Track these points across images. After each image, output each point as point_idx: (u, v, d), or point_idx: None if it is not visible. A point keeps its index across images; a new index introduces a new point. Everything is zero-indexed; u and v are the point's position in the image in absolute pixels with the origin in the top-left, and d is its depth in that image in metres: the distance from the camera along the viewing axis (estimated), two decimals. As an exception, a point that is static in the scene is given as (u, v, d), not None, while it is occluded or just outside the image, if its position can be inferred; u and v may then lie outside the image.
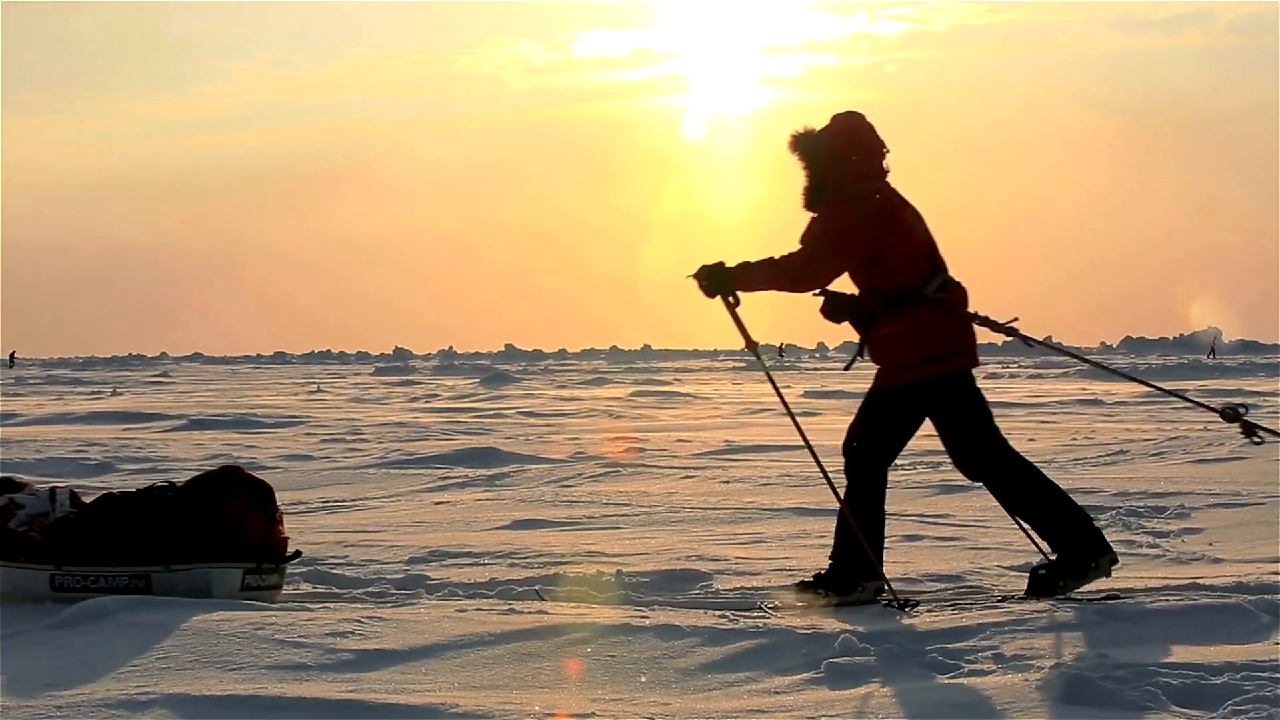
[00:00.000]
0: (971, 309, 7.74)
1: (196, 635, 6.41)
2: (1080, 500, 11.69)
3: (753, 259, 7.66)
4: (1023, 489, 7.67)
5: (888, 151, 7.71)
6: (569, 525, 11.03)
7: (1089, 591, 7.57)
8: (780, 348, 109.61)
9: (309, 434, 22.30)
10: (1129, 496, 12.00)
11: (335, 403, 35.41)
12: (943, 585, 8.08)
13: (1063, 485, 13.15)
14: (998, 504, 7.82)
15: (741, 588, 8.17)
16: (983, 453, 7.67)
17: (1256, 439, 7.70)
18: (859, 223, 7.52)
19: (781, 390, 8.42)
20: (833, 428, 22.72)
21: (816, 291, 7.71)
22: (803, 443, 8.21)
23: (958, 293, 7.71)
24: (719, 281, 7.73)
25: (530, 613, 7.06)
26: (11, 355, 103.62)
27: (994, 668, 5.94)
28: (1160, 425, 21.30)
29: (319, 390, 45.09)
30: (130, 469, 16.14)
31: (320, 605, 7.40)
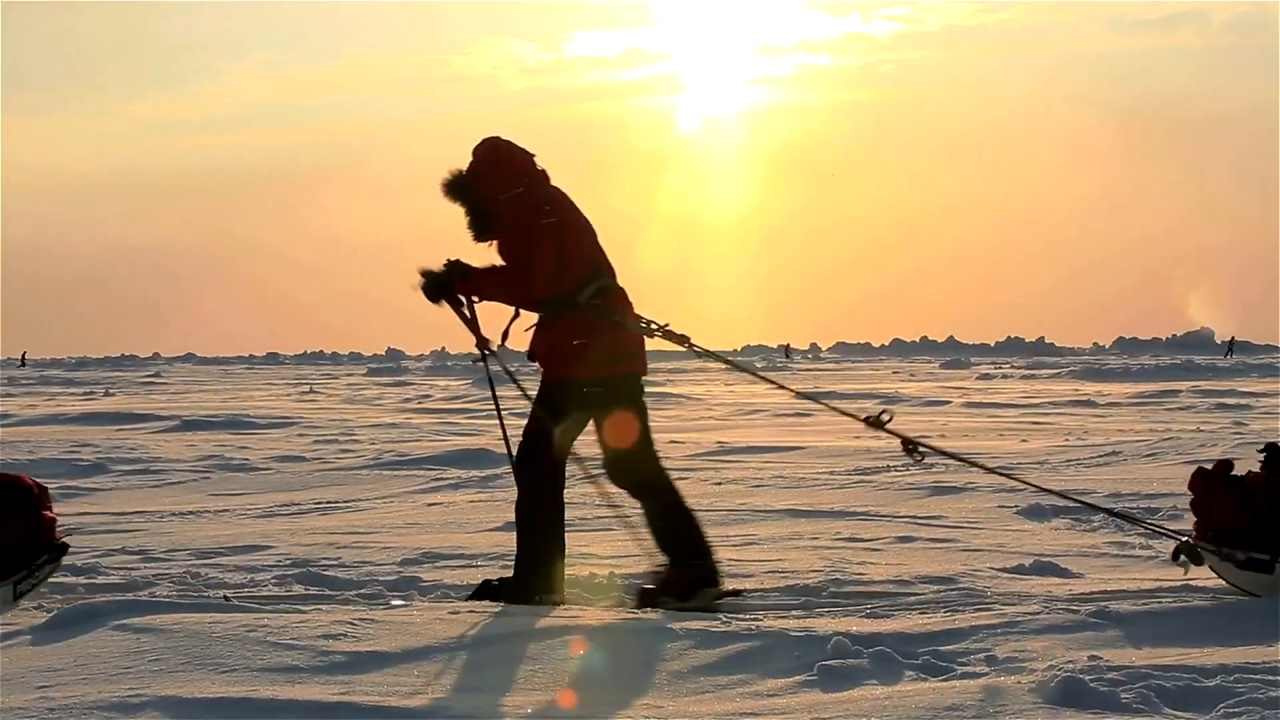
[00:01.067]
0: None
1: (188, 637, 6.40)
2: (1073, 501, 11.71)
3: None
4: (662, 506, 7.92)
5: (534, 155, 7.97)
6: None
7: (1082, 594, 7.58)
8: (786, 349, 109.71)
9: (301, 435, 22.28)
10: (1121, 497, 12.01)
11: (328, 403, 35.38)
12: (935, 587, 8.08)
13: (1055, 486, 13.18)
14: (984, 507, 7.86)
15: (734, 590, 8.17)
16: (633, 461, 7.99)
17: (917, 456, 7.94)
18: (546, 233, 7.75)
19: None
20: (827, 429, 22.72)
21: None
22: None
23: (616, 299, 7.91)
24: (437, 286, 7.94)
25: (523, 615, 7.06)
26: (23, 356, 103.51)
27: (986, 670, 5.94)
28: (1153, 426, 21.30)
29: (311, 391, 45.07)
30: (122, 469, 16.12)
31: (313, 607, 7.39)
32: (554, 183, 8.00)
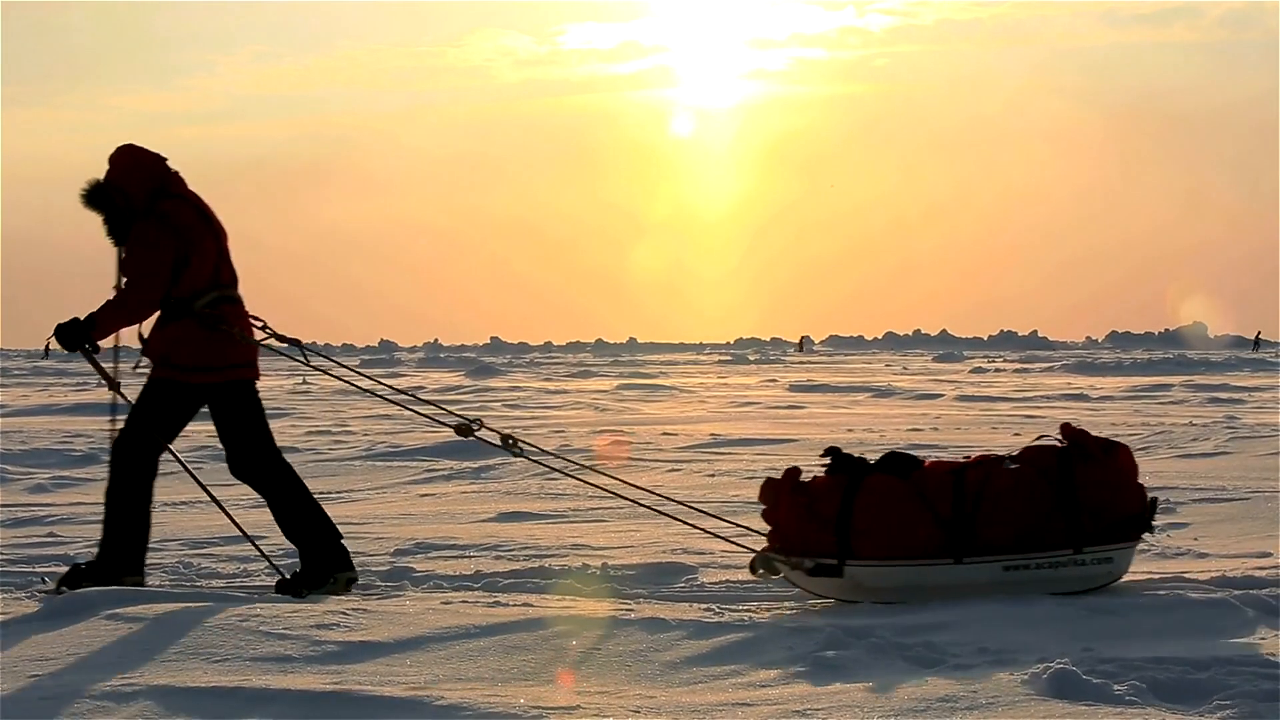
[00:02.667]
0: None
1: (181, 627, 6.40)
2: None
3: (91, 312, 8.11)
4: (284, 498, 8.18)
5: (166, 159, 8.19)
6: (554, 518, 11.03)
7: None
8: (800, 342, 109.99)
9: (294, 425, 22.27)
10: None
11: (321, 394, 35.37)
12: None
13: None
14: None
15: (727, 581, 8.17)
16: (251, 459, 8.31)
17: (515, 451, 8.52)
18: (163, 239, 7.94)
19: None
20: (817, 421, 22.70)
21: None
22: None
23: (232, 309, 8.14)
24: (72, 337, 8.17)
25: (516, 605, 7.07)
26: (47, 346, 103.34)
27: (979, 662, 5.94)
28: (1146, 420, 21.31)
29: (304, 382, 45.04)
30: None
31: (305, 597, 7.39)
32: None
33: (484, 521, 10.88)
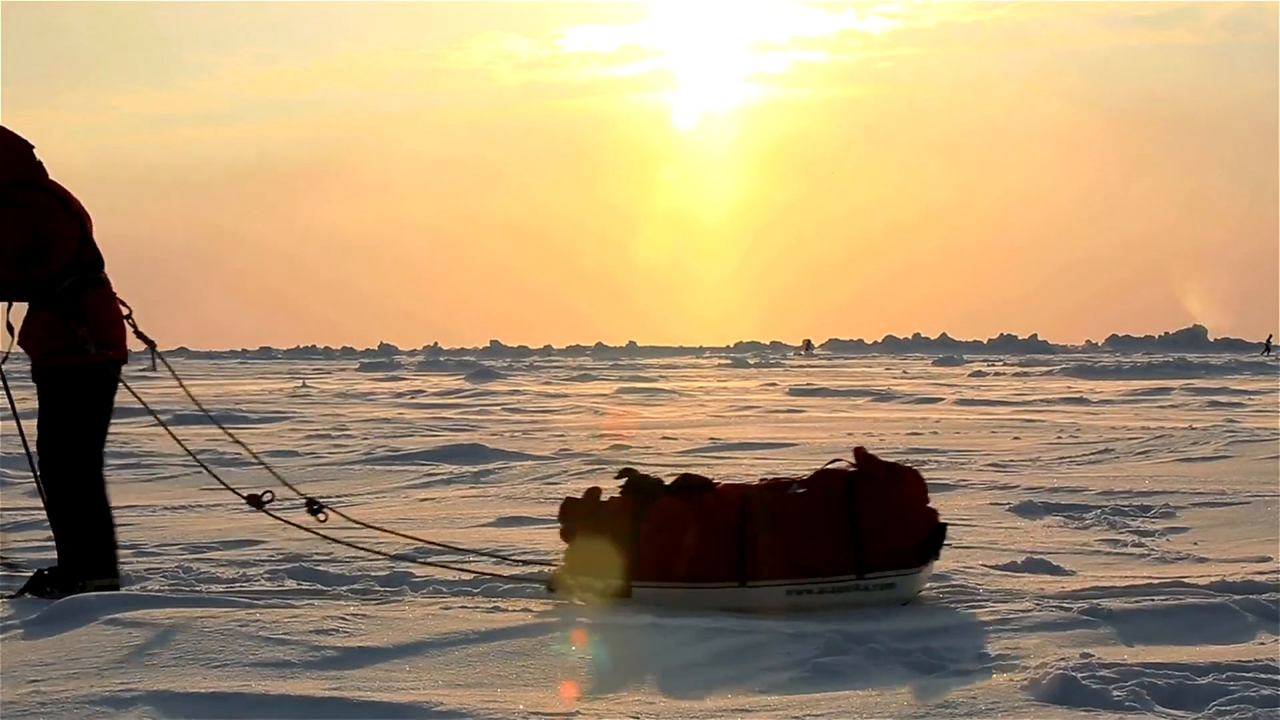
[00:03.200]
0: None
1: (180, 632, 6.39)
2: (1065, 499, 11.76)
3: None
4: (65, 498, 8.17)
5: (33, 146, 8.14)
6: (554, 522, 10.97)
7: (1074, 591, 7.58)
8: (806, 343, 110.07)
9: (294, 429, 22.27)
10: (1114, 495, 12.01)
11: (320, 398, 35.36)
12: (928, 584, 8.07)
13: (1047, 484, 13.18)
14: (976, 504, 7.89)
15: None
16: (55, 451, 8.38)
17: (321, 517, 8.39)
18: (14, 223, 7.95)
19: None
20: (816, 424, 22.69)
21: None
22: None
23: (96, 293, 8.15)
24: None
25: (515, 610, 7.06)
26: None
27: (978, 667, 5.94)
28: (1146, 424, 21.32)
29: (304, 385, 45.04)
30: (114, 464, 16.06)
31: (305, 602, 7.39)
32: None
33: (483, 526, 10.87)
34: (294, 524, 8.39)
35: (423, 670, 5.95)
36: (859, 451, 7.43)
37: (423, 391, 39.49)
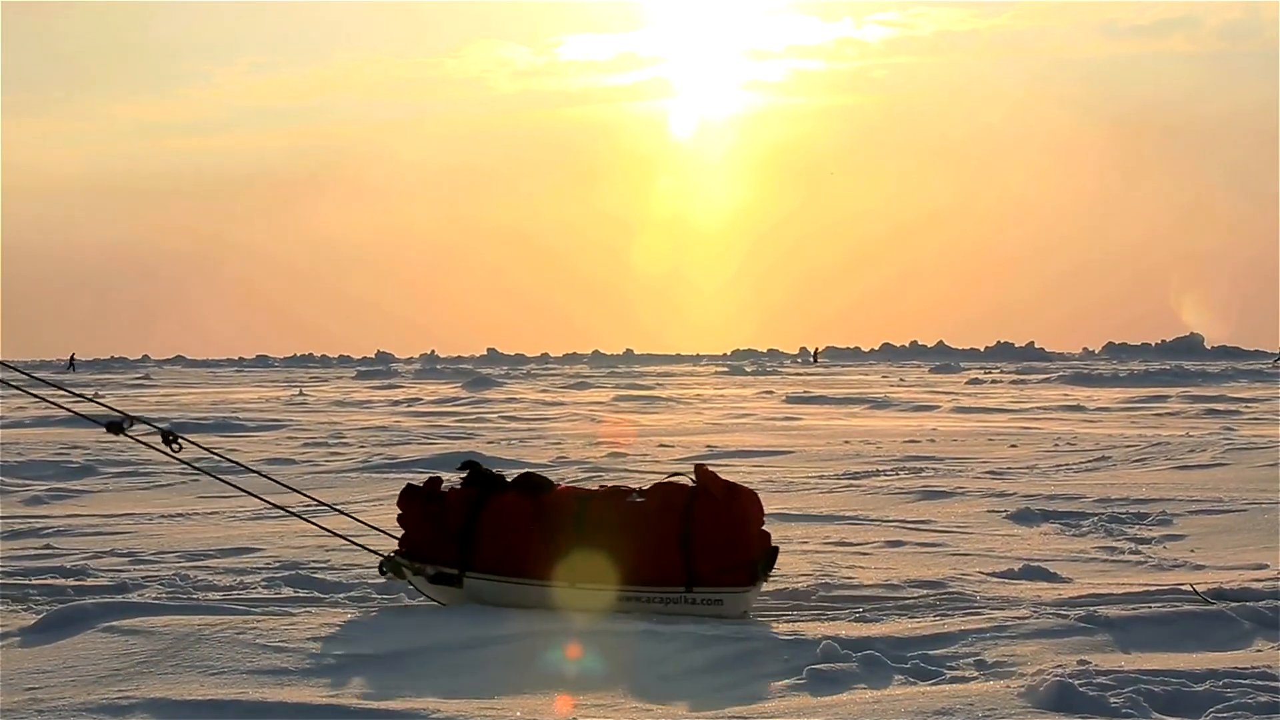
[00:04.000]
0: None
1: (178, 639, 6.40)
2: (1062, 506, 11.76)
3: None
4: None
5: None
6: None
7: (1071, 598, 7.58)
8: (815, 352, 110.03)
9: (291, 437, 22.25)
10: (1111, 503, 12.01)
11: (317, 406, 35.35)
12: (925, 592, 8.07)
13: (1045, 491, 13.18)
14: (973, 512, 7.88)
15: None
16: None
17: (175, 447, 8.18)
18: None
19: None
20: (813, 432, 22.68)
21: None
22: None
23: None
24: None
25: (512, 618, 7.06)
26: (71, 358, 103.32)
27: (976, 675, 5.94)
28: (1142, 431, 21.32)
29: (301, 394, 45.03)
30: (111, 472, 16.10)
31: (302, 609, 7.39)
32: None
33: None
34: (154, 447, 8.27)
35: (420, 677, 5.95)
36: (699, 468, 7.47)
37: (420, 399, 39.47)
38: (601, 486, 7.63)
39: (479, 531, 7.33)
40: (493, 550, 7.30)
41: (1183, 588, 7.84)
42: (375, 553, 7.87)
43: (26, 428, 25.29)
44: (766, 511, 11.73)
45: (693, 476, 7.44)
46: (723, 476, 7.47)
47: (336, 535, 8.32)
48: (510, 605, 7.17)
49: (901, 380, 58.13)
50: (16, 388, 8.42)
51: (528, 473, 7.65)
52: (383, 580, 8.56)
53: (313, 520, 8.58)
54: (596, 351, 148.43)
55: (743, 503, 7.36)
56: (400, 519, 7.69)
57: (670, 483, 7.42)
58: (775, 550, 7.46)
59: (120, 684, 5.75)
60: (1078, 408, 31.15)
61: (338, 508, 8.94)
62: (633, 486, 7.56)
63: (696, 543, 7.18)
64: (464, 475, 7.61)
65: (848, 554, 9.57)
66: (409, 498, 7.65)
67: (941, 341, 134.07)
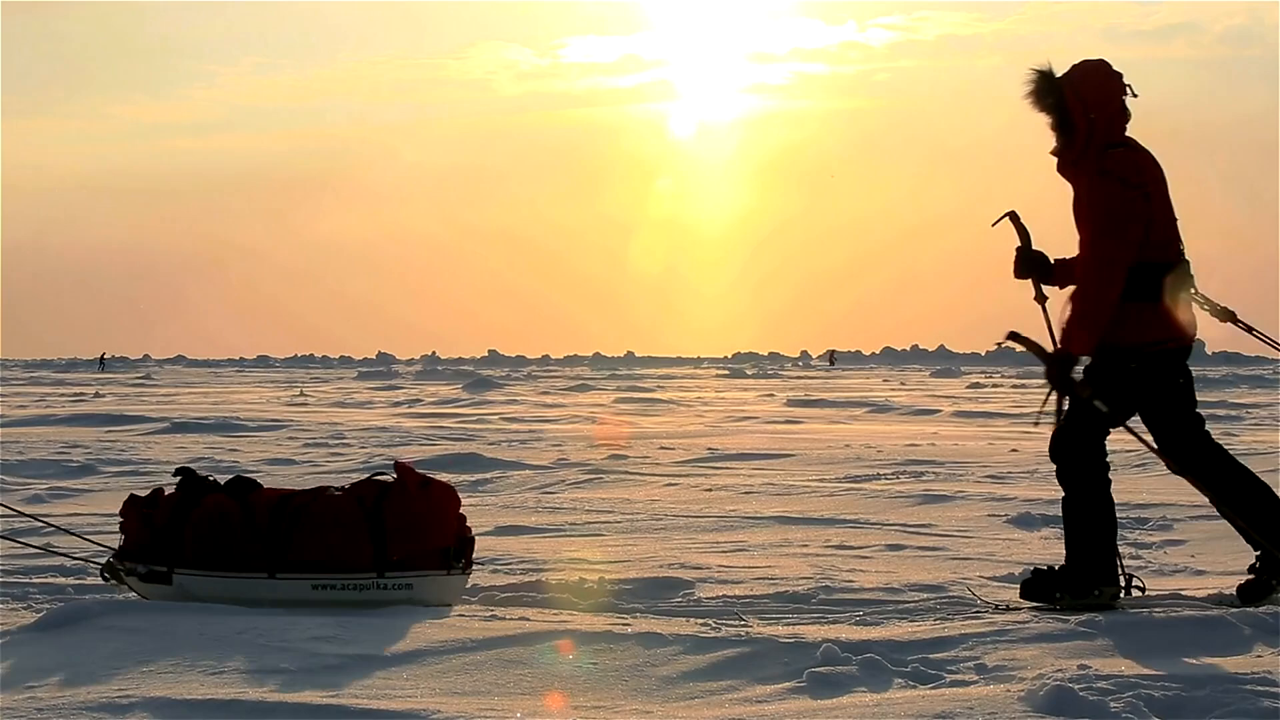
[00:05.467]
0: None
1: (178, 639, 6.40)
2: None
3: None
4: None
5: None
6: (551, 532, 11.02)
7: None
8: (832, 354, 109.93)
9: (291, 438, 22.26)
10: (1111, 508, 11.99)
11: (318, 406, 35.36)
12: (925, 595, 8.08)
13: (1045, 495, 13.17)
14: (973, 516, 7.90)
15: (724, 596, 8.17)
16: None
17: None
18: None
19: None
20: (813, 436, 22.67)
21: None
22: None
23: None
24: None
25: (513, 619, 7.07)
26: (102, 357, 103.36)
27: (976, 678, 5.94)
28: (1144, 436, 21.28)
29: (302, 394, 45.04)
30: (112, 471, 16.11)
31: (302, 610, 7.39)
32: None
33: (481, 535, 10.85)
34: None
35: (420, 678, 5.95)
36: (398, 464, 7.89)
37: (420, 400, 39.48)
38: (325, 489, 7.88)
39: (186, 531, 7.58)
40: (199, 548, 7.56)
41: (1182, 591, 7.83)
42: (95, 562, 8.18)
43: (27, 426, 25.30)
44: (767, 514, 11.76)
45: (393, 472, 7.82)
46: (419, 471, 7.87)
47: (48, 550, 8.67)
48: (216, 599, 7.41)
49: (902, 384, 58.15)
50: None
51: (237, 475, 7.96)
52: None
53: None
54: (597, 353, 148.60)
55: (435, 494, 7.74)
56: (121, 526, 7.89)
57: (369, 479, 7.79)
58: (470, 541, 7.83)
59: (120, 683, 5.76)
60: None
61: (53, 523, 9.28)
62: (338, 486, 7.86)
63: (389, 532, 7.54)
64: (178, 481, 7.86)
65: (848, 557, 9.57)
66: (129, 506, 7.86)
67: (943, 345, 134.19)
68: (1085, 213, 7.61)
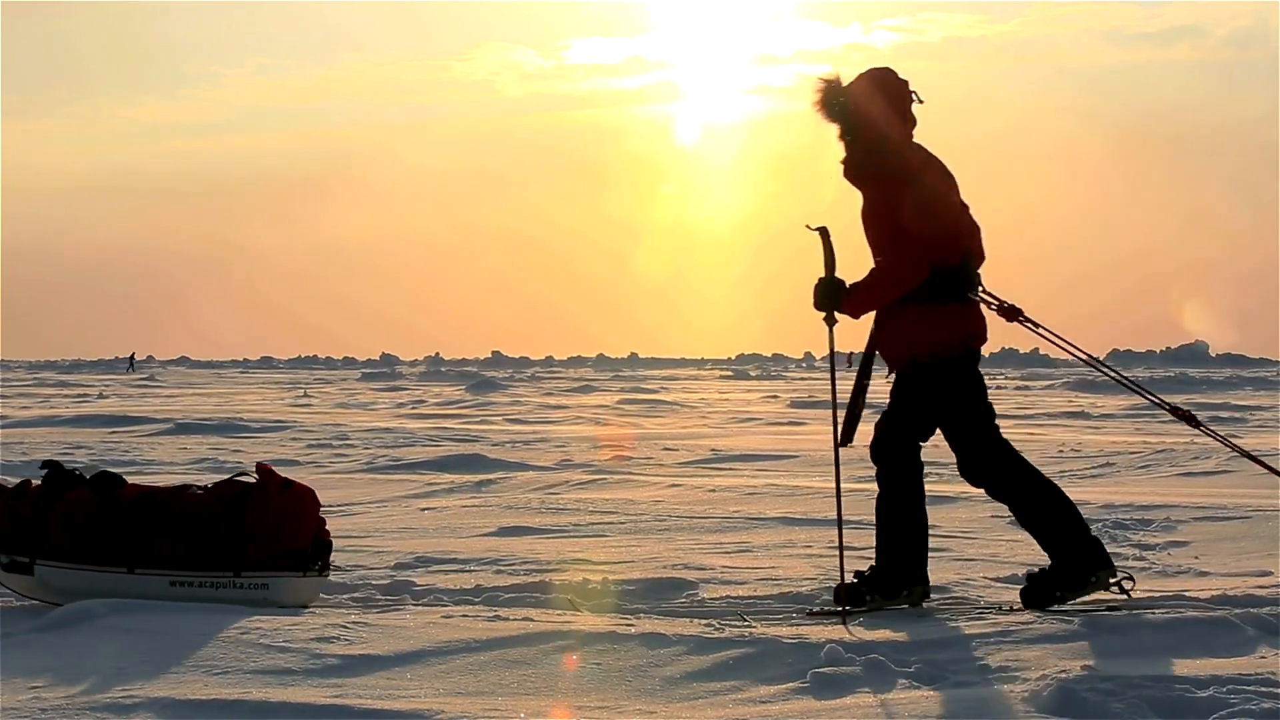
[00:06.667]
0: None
1: (181, 639, 6.40)
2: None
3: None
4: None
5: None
6: (555, 532, 11.03)
7: (1075, 603, 7.57)
8: (849, 356, 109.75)
9: (295, 439, 22.28)
10: (1115, 509, 12.01)
11: (322, 408, 35.37)
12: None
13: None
14: (977, 517, 7.91)
15: (728, 597, 8.17)
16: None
17: None
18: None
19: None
20: (817, 436, 22.69)
21: None
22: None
23: None
24: None
25: (516, 620, 7.06)
26: (131, 357, 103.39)
27: (979, 679, 5.94)
28: (1146, 438, 21.30)
29: (306, 395, 45.06)
30: (116, 472, 16.09)
31: (306, 610, 7.40)
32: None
33: (485, 535, 10.88)
34: None
35: (424, 678, 5.95)
36: (259, 466, 7.96)
37: (424, 401, 39.50)
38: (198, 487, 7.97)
39: (50, 524, 7.66)
40: (61, 540, 7.63)
41: (1185, 592, 7.83)
42: None
43: (30, 426, 25.31)
44: (770, 515, 11.75)
45: (255, 473, 7.89)
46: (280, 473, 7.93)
47: None
48: (77, 591, 7.45)
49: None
50: None
51: (102, 471, 8.03)
52: (385, 581, 8.58)
53: None
54: (601, 355, 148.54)
55: (295, 497, 7.82)
56: None
57: (231, 479, 7.87)
58: (328, 544, 7.91)
59: (123, 683, 5.76)
60: (1082, 414, 31.15)
61: None
62: (202, 486, 7.94)
63: (247, 532, 7.63)
64: (44, 473, 7.92)
65: (852, 558, 9.56)
66: None
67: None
68: (873, 221, 7.68)
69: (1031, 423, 27.96)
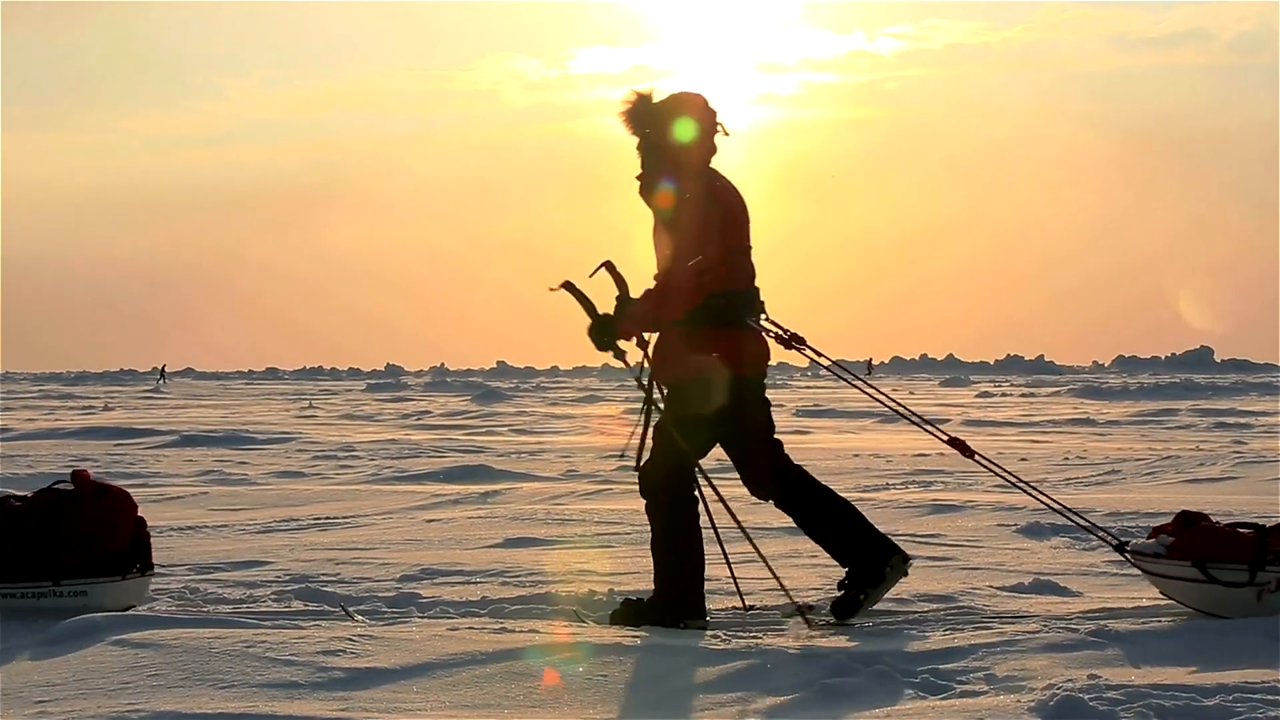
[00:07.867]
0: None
1: (187, 653, 6.40)
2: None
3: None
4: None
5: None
6: (561, 543, 11.02)
7: (1081, 613, 7.57)
8: (870, 362, 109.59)
9: (301, 450, 22.28)
10: (1121, 516, 12.00)
11: (327, 419, 35.37)
12: (934, 606, 8.07)
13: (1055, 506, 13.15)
14: (983, 526, 7.89)
15: (733, 607, 8.17)
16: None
17: None
18: None
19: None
20: (823, 446, 22.66)
21: None
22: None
23: None
24: None
25: (522, 631, 7.06)
26: (162, 369, 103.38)
27: (986, 689, 5.93)
28: (1152, 445, 21.29)
29: (311, 407, 45.07)
30: (121, 484, 16.08)
31: (312, 623, 7.39)
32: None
33: (490, 547, 10.87)
34: None
35: (430, 691, 5.95)
36: (75, 473, 8.04)
37: (429, 412, 39.51)
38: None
39: None
40: None
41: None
42: None
43: (36, 439, 25.32)
44: (776, 525, 11.74)
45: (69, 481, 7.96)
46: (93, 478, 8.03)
47: None
48: None
49: (911, 393, 58.10)
50: None
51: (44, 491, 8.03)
52: (391, 594, 8.57)
53: None
54: (606, 365, 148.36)
55: (111, 499, 7.93)
56: None
57: (49, 488, 7.93)
58: (146, 545, 8.00)
59: (129, 697, 5.76)
60: (1088, 421, 31.12)
61: None
62: (20, 496, 7.98)
63: (65, 540, 7.73)
64: None
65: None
66: None
67: (951, 354, 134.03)
68: (663, 239, 7.70)
69: (1037, 430, 27.94)
